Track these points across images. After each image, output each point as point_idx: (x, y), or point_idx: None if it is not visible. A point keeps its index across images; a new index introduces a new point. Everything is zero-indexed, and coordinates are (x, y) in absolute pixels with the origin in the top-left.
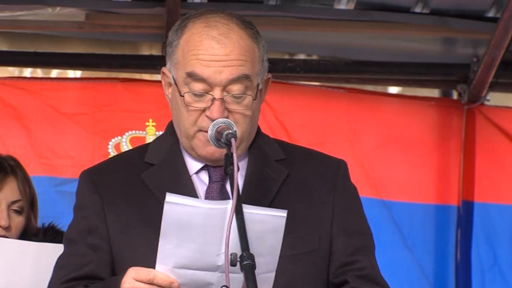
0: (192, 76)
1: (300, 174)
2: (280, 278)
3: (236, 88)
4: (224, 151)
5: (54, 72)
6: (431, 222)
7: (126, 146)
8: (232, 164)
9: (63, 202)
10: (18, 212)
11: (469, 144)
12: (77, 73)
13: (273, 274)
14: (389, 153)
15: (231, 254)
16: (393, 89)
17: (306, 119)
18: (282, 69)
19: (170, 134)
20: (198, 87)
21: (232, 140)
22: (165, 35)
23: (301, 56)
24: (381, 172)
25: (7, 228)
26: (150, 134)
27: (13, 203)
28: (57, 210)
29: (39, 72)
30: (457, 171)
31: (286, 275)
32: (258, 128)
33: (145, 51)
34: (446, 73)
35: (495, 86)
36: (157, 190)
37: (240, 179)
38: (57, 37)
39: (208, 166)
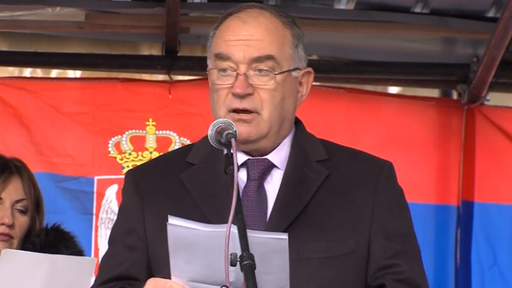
0: (219, 56)
1: (341, 175)
2: (314, 281)
3: (261, 66)
4: (252, 132)
5: (54, 72)
6: (431, 222)
7: (126, 145)
8: (232, 164)
9: (64, 198)
10: (23, 211)
11: (469, 144)
12: (76, 73)
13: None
14: (389, 153)
15: (231, 254)
16: (393, 89)
17: (306, 119)
18: None
19: None
20: (224, 65)
21: (232, 140)
22: (165, 35)
23: None
24: None
25: (11, 227)
26: (150, 133)
27: (17, 202)
28: (58, 206)
29: (39, 72)
30: (457, 171)
31: (318, 277)
32: (303, 126)
33: (145, 51)
34: (446, 73)
35: (495, 86)
36: (195, 190)
37: (280, 178)
38: (57, 37)
39: (247, 163)
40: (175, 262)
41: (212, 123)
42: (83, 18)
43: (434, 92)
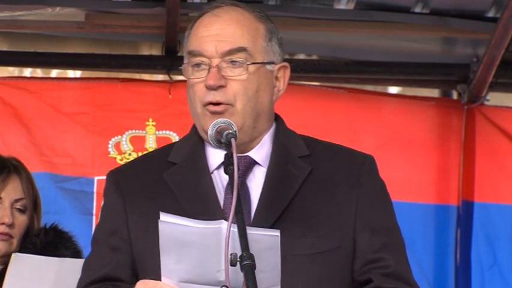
0: (192, 53)
1: (324, 170)
2: (301, 278)
3: (233, 57)
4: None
5: (54, 72)
6: (431, 222)
7: (126, 146)
8: (232, 164)
9: (64, 198)
10: (22, 210)
11: (469, 144)
12: (76, 73)
13: (278, 287)
14: (389, 153)
15: (231, 254)
16: (393, 89)
17: (306, 119)
18: None
19: (194, 133)
20: (197, 60)
21: (232, 140)
22: (165, 35)
23: (301, 56)
24: (380, 172)
25: (10, 226)
26: (150, 133)
27: (16, 201)
28: (58, 206)
29: (39, 72)
30: (457, 171)
31: (305, 274)
32: (283, 122)
33: (145, 51)
34: (446, 73)
35: (495, 86)
36: (178, 190)
37: (262, 175)
38: (57, 37)
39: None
40: (166, 262)
41: (212, 123)
42: (83, 18)
43: (434, 92)
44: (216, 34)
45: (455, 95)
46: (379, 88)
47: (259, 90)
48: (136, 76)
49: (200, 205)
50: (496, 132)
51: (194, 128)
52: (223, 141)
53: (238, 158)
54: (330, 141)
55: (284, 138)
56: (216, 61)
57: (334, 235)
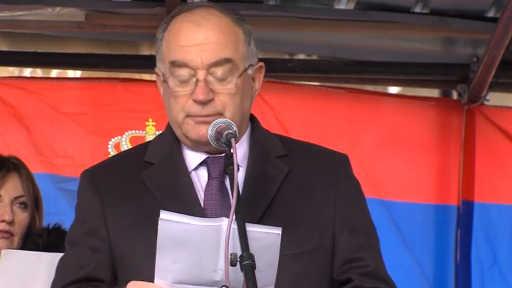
0: (175, 64)
1: (301, 170)
2: (282, 278)
3: (220, 70)
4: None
5: (54, 72)
6: (431, 222)
7: (126, 146)
8: (232, 164)
9: (64, 199)
10: (22, 208)
11: (469, 144)
12: (76, 73)
13: (272, 287)
14: (389, 153)
15: (231, 254)
16: (393, 89)
17: (306, 119)
18: (282, 69)
19: (169, 133)
20: (182, 72)
21: (232, 140)
22: None
23: (301, 56)
24: (380, 172)
25: (11, 223)
26: (150, 133)
27: (16, 198)
28: (58, 207)
29: (39, 72)
30: (457, 171)
31: (287, 274)
32: (258, 122)
33: (145, 51)
34: (446, 73)
35: (495, 86)
36: (157, 190)
37: (240, 175)
38: (57, 37)
39: (207, 162)
40: (161, 262)
41: (212, 123)
42: (83, 18)
43: (434, 92)
44: (200, 44)
45: (455, 95)
46: (379, 88)
47: (244, 97)
48: (136, 76)
49: (181, 205)
50: (496, 132)
51: (170, 127)
52: (223, 141)
53: (217, 158)
54: (306, 141)
55: (261, 138)
56: (202, 74)
57: (314, 235)
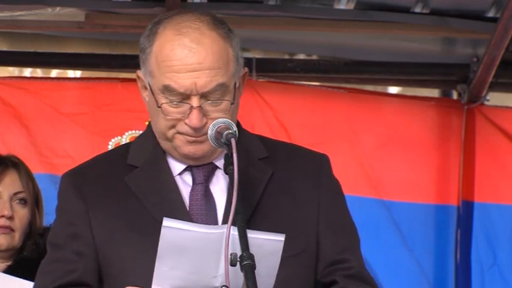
0: (168, 89)
1: (284, 172)
2: None
3: (213, 95)
4: (206, 149)
5: (54, 72)
6: (431, 222)
7: None
8: (232, 164)
9: None
10: (22, 204)
11: (469, 144)
12: (76, 73)
13: None
14: (389, 153)
15: (231, 254)
16: (393, 89)
17: (306, 119)
18: (282, 69)
19: (151, 135)
20: (176, 96)
21: (232, 140)
22: None
23: (301, 56)
24: (380, 172)
25: (10, 219)
26: None
27: (15, 194)
28: None
29: (39, 72)
30: (457, 171)
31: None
32: (239, 123)
33: None
34: (446, 73)
35: (495, 86)
36: (142, 194)
37: (224, 179)
38: (57, 37)
39: (191, 167)
40: (160, 269)
41: (212, 123)
42: (83, 18)
43: (434, 92)
44: (194, 70)
45: (455, 95)
46: (379, 88)
47: (233, 110)
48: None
49: (166, 209)
50: (496, 132)
51: (151, 129)
52: (223, 141)
53: (199, 166)
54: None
55: (243, 140)
56: (197, 101)
57: (300, 238)
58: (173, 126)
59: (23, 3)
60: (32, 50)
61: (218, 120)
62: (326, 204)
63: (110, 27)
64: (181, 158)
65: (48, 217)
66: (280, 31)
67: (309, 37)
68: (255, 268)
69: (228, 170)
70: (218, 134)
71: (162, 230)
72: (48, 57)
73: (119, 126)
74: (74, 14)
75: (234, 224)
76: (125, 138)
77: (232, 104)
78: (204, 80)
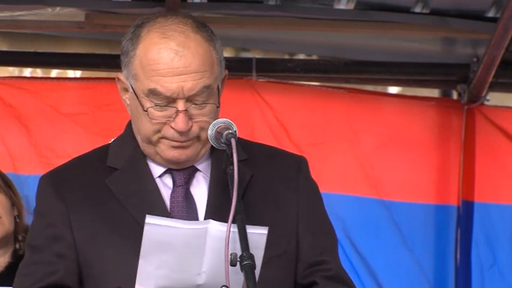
0: (153, 92)
1: (263, 174)
2: None
3: (198, 98)
4: (190, 154)
5: (54, 72)
6: (431, 222)
7: None
8: (233, 164)
9: None
10: None
11: (469, 144)
12: (76, 73)
13: None
14: (389, 153)
15: (231, 254)
16: (393, 89)
17: (306, 119)
18: (282, 69)
19: (131, 137)
20: (161, 100)
21: (232, 140)
22: None
23: (301, 56)
24: (380, 172)
25: None
26: None
27: None
28: None
29: (39, 72)
30: (457, 171)
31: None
32: None
33: None
34: (446, 73)
35: (495, 86)
36: (123, 196)
37: (204, 182)
38: (57, 37)
39: (171, 169)
40: (144, 268)
41: (212, 123)
42: (83, 18)
43: (434, 92)
44: (180, 74)
45: (455, 95)
46: (379, 88)
47: (217, 112)
48: None
49: (147, 210)
50: (496, 132)
51: (131, 131)
52: (223, 141)
53: (182, 170)
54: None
55: None
56: (182, 105)
57: (281, 239)
58: (158, 131)
59: (23, 3)
60: (32, 50)
61: (218, 120)
62: (305, 206)
63: (110, 27)
64: (164, 162)
65: None
66: (280, 31)
67: (309, 37)
68: (255, 268)
69: (228, 170)
70: (218, 134)
71: (145, 227)
72: (48, 57)
73: (119, 126)
74: (74, 14)
75: (233, 222)
76: None
77: (217, 107)
78: (190, 83)
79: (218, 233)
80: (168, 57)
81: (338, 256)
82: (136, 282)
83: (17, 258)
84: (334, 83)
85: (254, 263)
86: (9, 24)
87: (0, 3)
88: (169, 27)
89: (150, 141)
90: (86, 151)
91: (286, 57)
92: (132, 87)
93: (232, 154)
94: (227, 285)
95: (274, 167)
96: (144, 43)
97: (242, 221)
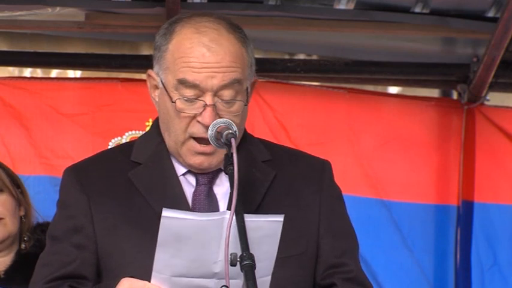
0: (184, 83)
1: (287, 175)
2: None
3: (227, 93)
4: (213, 162)
5: (54, 72)
6: (431, 222)
7: None
8: (233, 164)
9: None
10: None
11: (468, 144)
12: (76, 73)
13: (269, 278)
14: (389, 153)
15: (231, 254)
16: (393, 89)
17: (306, 119)
18: (282, 69)
19: (156, 133)
20: (190, 92)
21: (232, 140)
22: None
23: (301, 56)
24: (380, 172)
25: None
26: None
27: None
28: None
29: (39, 72)
30: (457, 171)
31: (274, 277)
32: (245, 128)
33: (145, 51)
34: (446, 73)
35: (495, 86)
36: (145, 190)
37: (227, 180)
38: (57, 37)
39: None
40: (161, 257)
41: (212, 123)
42: (83, 18)
43: (434, 92)
44: (211, 68)
45: (455, 95)
46: (379, 88)
47: (244, 114)
48: (136, 76)
49: (169, 205)
50: (496, 132)
51: (156, 127)
52: (223, 141)
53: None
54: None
55: (246, 143)
56: (210, 97)
57: (301, 239)
58: (186, 129)
59: (23, 3)
60: (32, 50)
61: (218, 120)
62: (327, 209)
63: (110, 27)
64: (186, 165)
65: (49, 220)
66: (280, 31)
67: (309, 37)
68: (255, 268)
69: (227, 170)
70: (218, 134)
71: (162, 220)
72: (48, 57)
73: (119, 127)
74: (74, 14)
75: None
76: (125, 139)
77: (245, 105)
78: (220, 76)
79: (235, 222)
80: (200, 52)
81: (358, 259)
82: (153, 269)
83: (20, 257)
84: (334, 83)
85: (254, 263)
86: (9, 24)
87: (0, 3)
88: (203, 24)
89: (177, 141)
90: (86, 151)
91: (286, 57)
92: (162, 83)
93: (232, 154)
94: (227, 285)
95: (298, 169)
96: (178, 38)
97: (242, 221)
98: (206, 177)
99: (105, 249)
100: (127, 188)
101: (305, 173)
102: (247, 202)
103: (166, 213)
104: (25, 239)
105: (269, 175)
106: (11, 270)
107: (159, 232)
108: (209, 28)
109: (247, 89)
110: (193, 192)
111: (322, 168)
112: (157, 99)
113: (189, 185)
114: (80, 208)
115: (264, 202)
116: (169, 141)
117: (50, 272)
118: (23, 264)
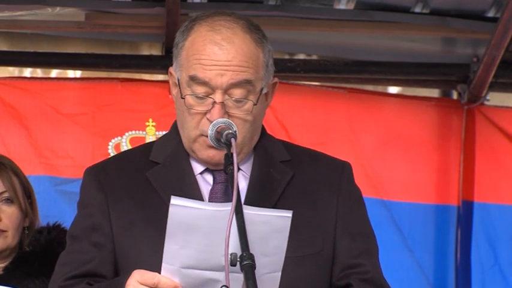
0: (194, 79)
1: (305, 176)
2: (284, 280)
3: (237, 92)
4: (223, 156)
5: (54, 72)
6: (431, 222)
7: (126, 146)
8: (233, 164)
9: (64, 201)
10: (8, 203)
11: (469, 144)
12: (76, 73)
13: (279, 274)
14: (389, 153)
15: (231, 254)
16: (393, 89)
17: (306, 119)
18: (282, 69)
19: (175, 133)
20: (201, 90)
21: (232, 140)
22: (165, 35)
23: (301, 56)
24: (380, 172)
25: None
26: (150, 134)
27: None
28: (58, 209)
29: (39, 72)
30: (457, 171)
31: (289, 276)
32: (263, 128)
33: (145, 51)
34: (446, 73)
35: (495, 86)
36: (162, 189)
37: (244, 180)
38: (57, 37)
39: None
40: (170, 247)
41: (212, 123)
42: (83, 18)
43: (434, 92)
44: (222, 65)
45: (455, 95)
46: (379, 88)
47: (256, 118)
48: (136, 76)
49: None
50: (496, 132)
51: (175, 128)
52: (223, 140)
53: (220, 170)
54: (310, 147)
55: (265, 143)
56: (220, 95)
57: (317, 239)
58: (197, 126)
59: (23, 3)
60: (32, 50)
61: (218, 120)
62: (344, 210)
63: (110, 27)
64: (200, 161)
65: (49, 220)
66: (280, 31)
67: (309, 37)
68: (255, 268)
69: (228, 169)
70: (218, 134)
71: (170, 209)
72: (48, 57)
73: (119, 127)
74: (74, 14)
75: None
76: (125, 139)
77: (255, 105)
78: (230, 75)
79: (244, 215)
80: (211, 49)
81: (377, 261)
82: (163, 260)
83: (19, 256)
84: (334, 83)
85: (254, 263)
86: (9, 24)
87: (0, 3)
88: (219, 23)
89: (189, 138)
90: (86, 151)
91: (286, 57)
92: (178, 78)
93: (232, 154)
94: (227, 285)
95: (317, 170)
96: (193, 35)
97: (242, 221)
98: (223, 175)
99: (122, 248)
100: (145, 187)
101: (324, 174)
102: (263, 201)
103: (174, 201)
104: (26, 250)
105: (287, 175)
106: (10, 268)
107: (167, 221)
108: (224, 27)
109: (262, 90)
110: (210, 190)
111: (342, 169)
112: (175, 97)
113: (206, 183)
114: (98, 206)
115: (280, 202)
116: (184, 138)
117: (69, 270)
118: (20, 262)
